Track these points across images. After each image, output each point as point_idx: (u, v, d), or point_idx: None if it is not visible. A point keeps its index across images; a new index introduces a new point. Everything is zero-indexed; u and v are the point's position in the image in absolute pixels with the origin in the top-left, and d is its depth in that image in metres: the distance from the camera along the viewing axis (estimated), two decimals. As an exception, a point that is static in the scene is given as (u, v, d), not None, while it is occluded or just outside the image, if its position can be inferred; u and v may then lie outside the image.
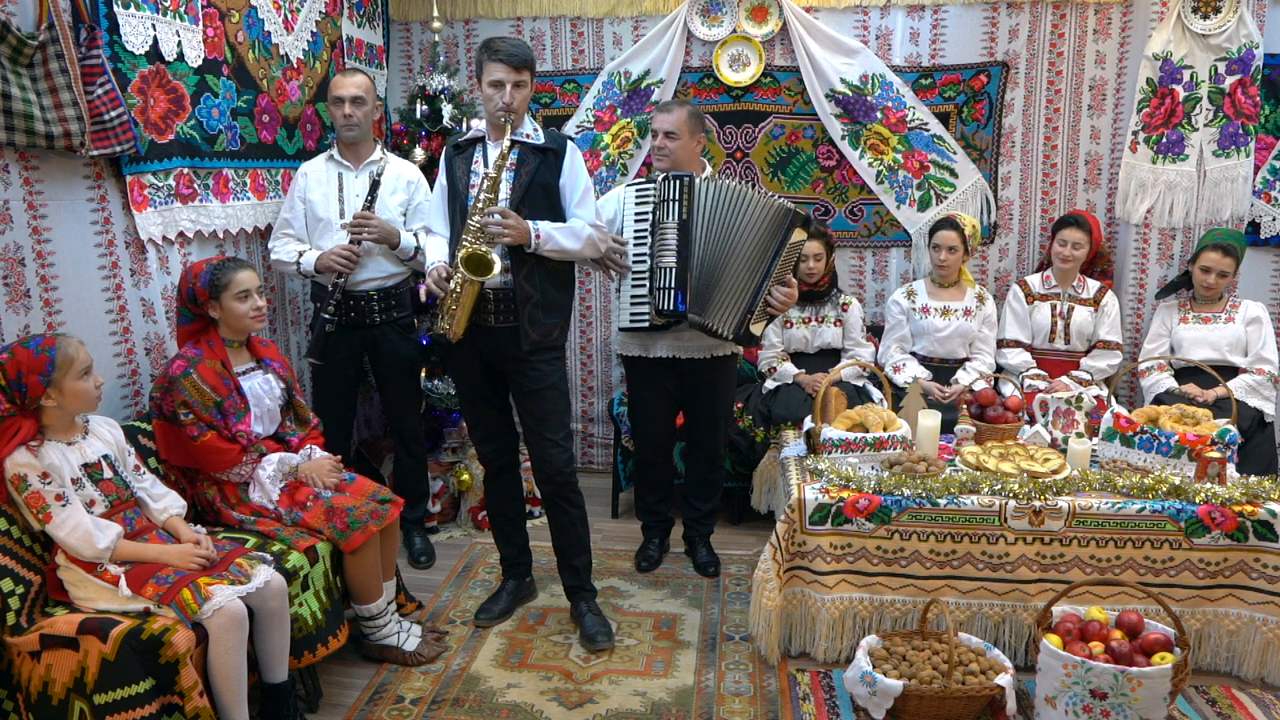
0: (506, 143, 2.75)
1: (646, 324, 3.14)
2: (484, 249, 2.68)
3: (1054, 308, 3.92)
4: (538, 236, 2.74)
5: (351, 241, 3.24)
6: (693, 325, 3.10)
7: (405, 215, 3.42)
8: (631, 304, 3.18)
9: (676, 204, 3.06)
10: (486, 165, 2.82)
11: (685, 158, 3.23)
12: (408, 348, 3.54)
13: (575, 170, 2.87)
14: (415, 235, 3.35)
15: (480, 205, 2.72)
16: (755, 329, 3.14)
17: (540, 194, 2.82)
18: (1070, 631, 2.49)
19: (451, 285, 2.71)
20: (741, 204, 3.08)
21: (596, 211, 2.92)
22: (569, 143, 2.90)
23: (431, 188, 3.58)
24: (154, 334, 2.89)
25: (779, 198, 3.13)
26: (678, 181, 3.07)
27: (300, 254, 3.29)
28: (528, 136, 2.82)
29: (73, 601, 2.23)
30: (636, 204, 3.18)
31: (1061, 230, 3.88)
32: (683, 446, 3.77)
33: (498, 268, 2.68)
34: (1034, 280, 3.99)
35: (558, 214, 2.85)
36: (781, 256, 3.08)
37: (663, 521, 3.64)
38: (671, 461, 3.68)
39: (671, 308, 3.05)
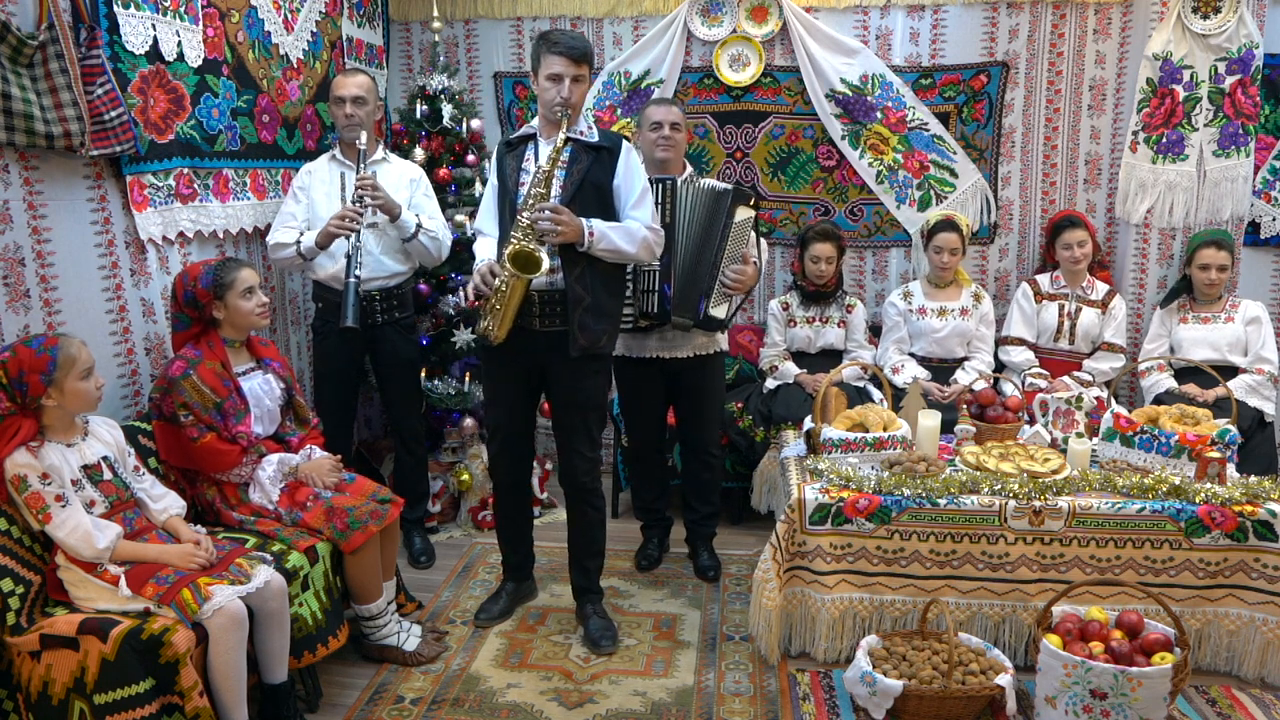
0: (562, 137, 2.66)
1: (631, 325, 3.14)
2: (532, 246, 2.59)
3: (1062, 308, 3.92)
4: (591, 234, 2.65)
5: (355, 200, 3.14)
6: (675, 325, 3.14)
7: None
8: None
9: (660, 207, 3.05)
10: (538, 162, 2.74)
11: (682, 151, 3.26)
12: (409, 348, 3.54)
13: (631, 170, 2.78)
14: (417, 217, 3.33)
15: (531, 201, 2.64)
16: (716, 312, 3.15)
17: (592, 193, 2.73)
18: (1070, 631, 2.49)
19: (497, 283, 2.62)
20: (704, 198, 3.13)
21: (653, 214, 2.84)
22: (624, 142, 2.82)
23: (433, 183, 3.59)
24: (154, 334, 2.89)
25: (725, 183, 3.18)
26: (660, 185, 3.06)
27: (300, 233, 3.23)
28: (582, 134, 2.75)
29: (73, 601, 2.23)
30: None
31: (1064, 234, 3.88)
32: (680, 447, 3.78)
33: (546, 265, 2.58)
34: (1043, 280, 3.99)
35: (609, 215, 2.76)
36: (730, 237, 3.10)
37: (661, 520, 3.64)
38: (666, 460, 3.68)
39: (656, 310, 3.07)
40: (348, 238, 3.11)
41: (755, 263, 3.20)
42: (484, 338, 2.71)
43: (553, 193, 2.69)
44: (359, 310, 3.04)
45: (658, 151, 3.20)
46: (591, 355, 2.77)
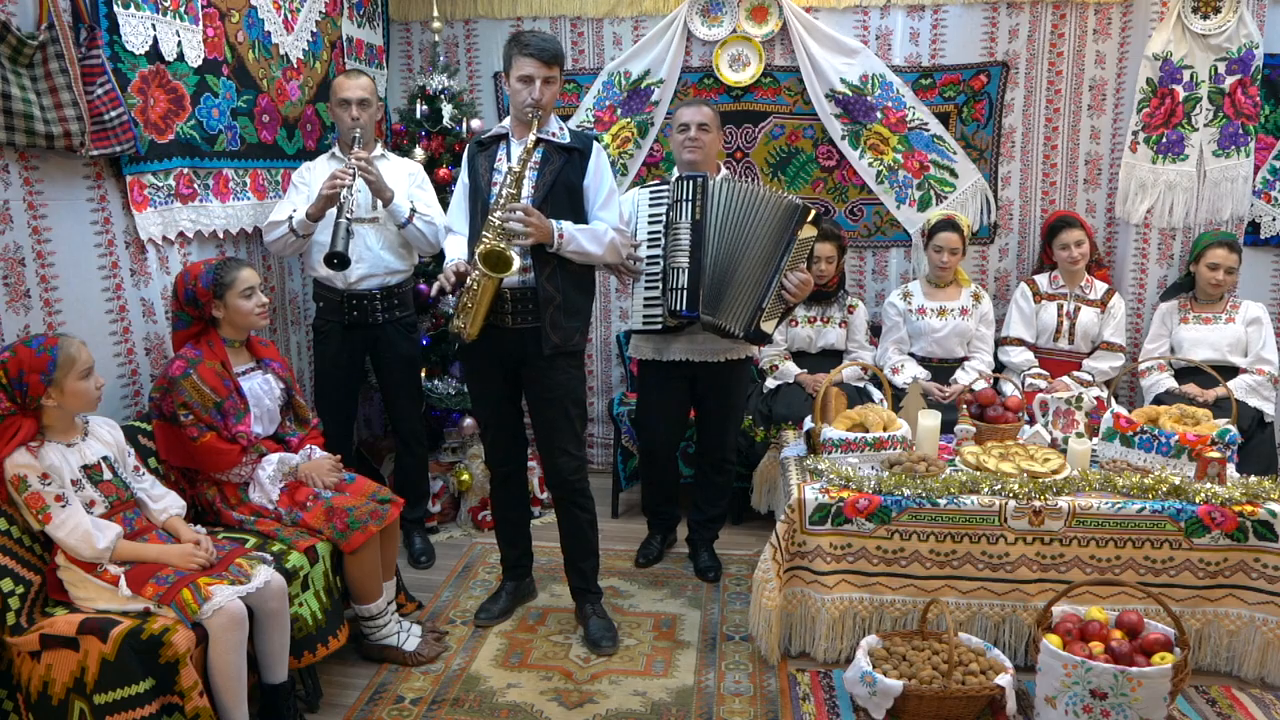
0: (532, 139, 2.68)
1: (660, 326, 3.13)
2: (503, 246, 2.62)
3: (1060, 308, 3.92)
4: (561, 236, 2.68)
5: (346, 168, 3.10)
6: (706, 327, 3.10)
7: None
8: (645, 306, 3.16)
9: (690, 204, 3.03)
10: (510, 162, 2.76)
11: (713, 153, 3.22)
12: (410, 347, 3.54)
13: (600, 171, 2.82)
14: (411, 203, 3.30)
15: (502, 201, 2.67)
16: (767, 326, 3.13)
17: (563, 194, 2.76)
18: (1070, 631, 2.49)
19: (468, 282, 2.65)
20: (753, 203, 3.08)
21: (620, 215, 2.87)
22: (595, 143, 2.85)
23: (433, 182, 3.59)
24: (154, 334, 2.89)
25: (789, 195, 3.13)
26: (691, 182, 3.04)
27: (293, 209, 3.19)
28: (553, 135, 2.77)
29: (73, 601, 2.23)
30: (650, 205, 3.17)
31: (1061, 234, 3.88)
32: (684, 446, 3.77)
33: (516, 265, 2.62)
34: (1042, 280, 4.00)
35: (580, 215, 2.79)
36: (791, 253, 3.07)
37: (668, 521, 3.65)
38: (675, 462, 3.68)
39: (684, 309, 3.03)
40: (339, 194, 3.03)
41: (810, 277, 3.16)
42: (457, 336, 2.73)
43: (524, 193, 2.72)
44: (347, 244, 2.98)
45: (685, 153, 3.19)
46: (565, 352, 2.80)
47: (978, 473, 2.84)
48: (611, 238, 2.80)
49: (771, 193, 3.10)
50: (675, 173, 3.24)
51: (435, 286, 2.75)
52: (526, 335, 2.77)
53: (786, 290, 3.10)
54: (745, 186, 3.10)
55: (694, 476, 3.65)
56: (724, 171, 3.30)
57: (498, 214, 2.66)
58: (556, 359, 2.80)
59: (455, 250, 2.85)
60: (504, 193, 2.68)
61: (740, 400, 3.44)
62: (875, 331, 4.14)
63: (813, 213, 3.09)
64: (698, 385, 3.32)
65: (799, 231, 3.06)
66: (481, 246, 2.63)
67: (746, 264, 3.08)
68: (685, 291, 3.02)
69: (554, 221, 2.69)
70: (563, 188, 2.76)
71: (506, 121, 2.87)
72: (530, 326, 2.76)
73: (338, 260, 2.96)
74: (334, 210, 3.03)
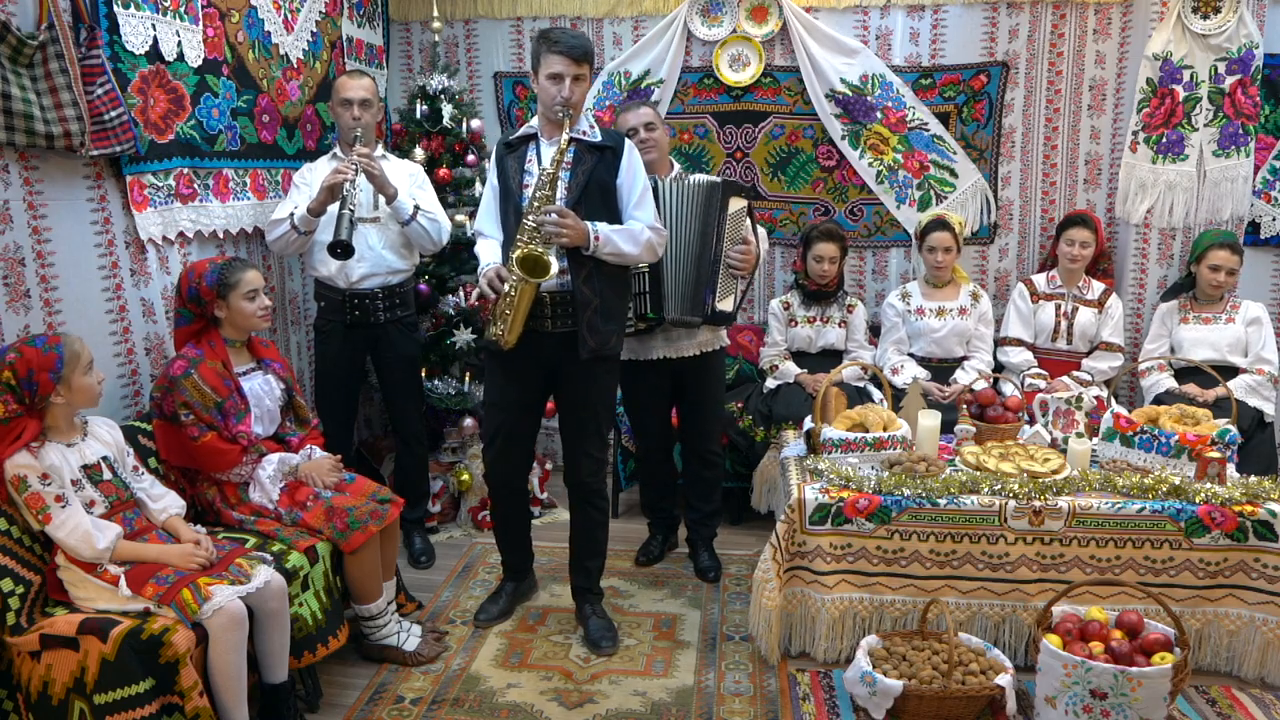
0: (565, 138, 2.63)
1: (632, 329, 3.14)
2: (540, 250, 2.56)
3: (1058, 307, 3.92)
4: (596, 238, 2.63)
5: (348, 163, 3.09)
6: (674, 324, 3.14)
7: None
8: None
9: None
10: (541, 163, 2.71)
11: (665, 149, 3.25)
12: (411, 347, 3.54)
13: (633, 169, 2.76)
14: (414, 201, 3.30)
15: (536, 204, 2.61)
16: (725, 305, 3.16)
17: (597, 193, 2.71)
18: (1070, 631, 2.49)
19: (506, 288, 2.59)
20: (689, 194, 3.10)
21: (654, 213, 2.81)
22: (626, 141, 2.80)
23: (433, 182, 3.59)
24: (154, 334, 2.89)
25: (710, 175, 3.18)
26: None
27: (295, 206, 3.18)
28: (584, 134, 2.72)
29: (73, 601, 2.23)
30: None
31: (1068, 230, 3.89)
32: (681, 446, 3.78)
33: (554, 269, 2.56)
34: (1039, 279, 4.00)
35: (614, 214, 2.74)
36: (724, 227, 3.10)
37: (668, 519, 3.65)
38: (672, 459, 3.68)
39: (648, 312, 3.06)
40: (342, 187, 3.02)
41: (754, 244, 3.21)
42: (493, 343, 2.67)
43: (558, 194, 2.67)
44: (351, 233, 2.94)
45: (642, 155, 3.19)
46: (601, 356, 2.76)
47: (978, 473, 2.84)
48: (648, 237, 2.74)
49: (698, 178, 3.12)
50: None
51: (475, 293, 2.71)
52: (566, 339, 2.72)
53: (732, 266, 3.13)
54: (685, 180, 3.12)
55: (684, 472, 3.65)
56: (675, 169, 3.31)
57: (532, 217, 2.60)
58: (593, 364, 2.75)
59: (488, 255, 2.79)
60: (538, 194, 2.62)
61: (719, 392, 3.46)
62: (875, 331, 4.14)
63: (737, 185, 3.13)
64: (677, 380, 3.34)
65: (727, 205, 3.08)
66: (518, 251, 2.58)
67: (693, 252, 3.11)
68: (649, 296, 3.07)
69: (589, 224, 2.63)
70: (596, 187, 2.71)
71: (534, 121, 2.81)
72: (569, 330, 2.71)
73: (341, 249, 2.92)
74: (335, 205, 3.02)
